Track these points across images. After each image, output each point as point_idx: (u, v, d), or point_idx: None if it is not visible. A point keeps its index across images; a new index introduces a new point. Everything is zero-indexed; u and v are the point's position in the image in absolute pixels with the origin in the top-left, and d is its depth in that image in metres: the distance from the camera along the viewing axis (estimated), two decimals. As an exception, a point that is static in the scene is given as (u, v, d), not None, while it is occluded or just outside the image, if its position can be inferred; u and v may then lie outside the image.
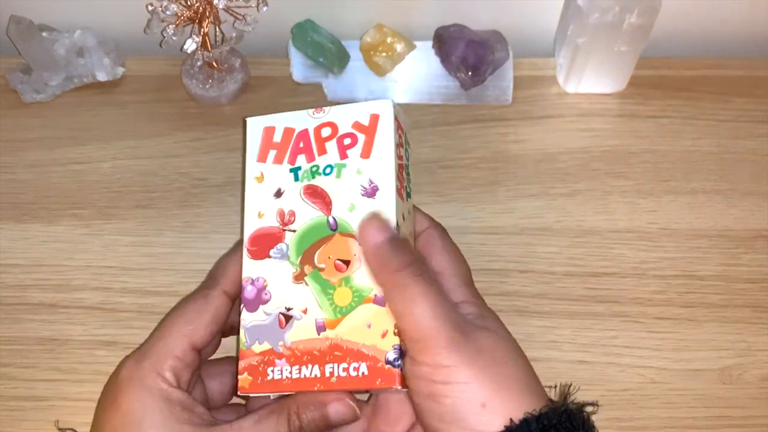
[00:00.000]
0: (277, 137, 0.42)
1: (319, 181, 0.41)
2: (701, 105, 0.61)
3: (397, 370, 0.37)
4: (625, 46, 0.56)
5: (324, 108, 0.42)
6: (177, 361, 0.38)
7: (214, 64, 0.59)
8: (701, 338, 0.51)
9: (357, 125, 0.41)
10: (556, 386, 0.38)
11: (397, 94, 0.61)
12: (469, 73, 0.59)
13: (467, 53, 0.59)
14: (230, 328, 0.43)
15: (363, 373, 0.37)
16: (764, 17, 0.64)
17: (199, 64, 0.59)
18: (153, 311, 0.51)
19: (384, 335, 0.38)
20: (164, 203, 0.56)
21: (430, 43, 0.62)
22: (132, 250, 0.54)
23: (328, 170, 0.41)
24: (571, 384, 0.38)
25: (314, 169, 0.41)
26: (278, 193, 0.41)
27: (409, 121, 0.46)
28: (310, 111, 0.42)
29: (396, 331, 0.37)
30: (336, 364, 0.38)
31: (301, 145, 0.42)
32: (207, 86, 0.59)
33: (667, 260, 0.54)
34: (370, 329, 0.38)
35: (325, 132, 0.41)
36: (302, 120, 0.42)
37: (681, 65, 0.63)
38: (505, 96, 0.61)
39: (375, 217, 0.37)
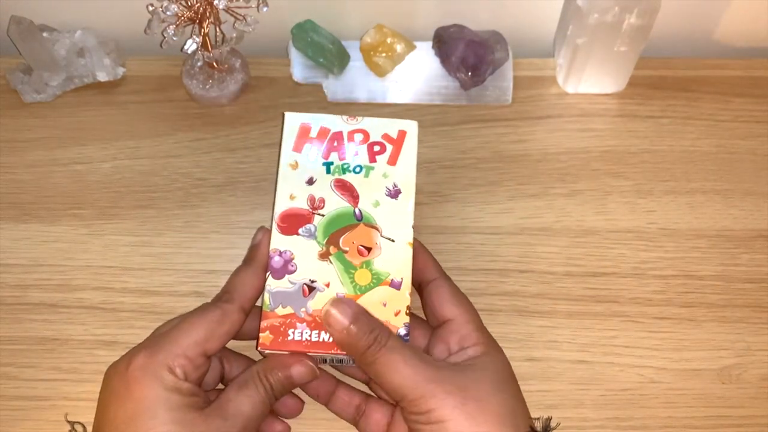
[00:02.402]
0: (313, 133, 0.47)
1: (349, 177, 0.46)
2: (700, 105, 0.61)
3: (406, 343, 0.42)
4: (624, 46, 0.57)
5: (357, 117, 0.48)
6: (188, 362, 0.40)
7: (215, 64, 0.59)
8: (700, 338, 0.51)
9: (386, 136, 0.47)
10: (539, 418, 0.41)
11: (397, 94, 0.61)
12: (469, 74, 0.59)
13: (467, 53, 0.59)
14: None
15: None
16: (764, 17, 0.64)
17: (199, 64, 0.59)
18: (153, 311, 0.52)
19: (397, 314, 0.43)
20: (164, 203, 0.56)
21: (430, 44, 0.62)
22: (132, 250, 0.54)
23: (357, 169, 0.46)
24: (550, 418, 0.41)
25: (345, 166, 0.46)
26: (310, 181, 0.46)
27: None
28: (344, 117, 0.48)
29: (408, 311, 0.43)
30: None
31: (335, 144, 0.47)
32: (207, 86, 0.59)
33: (666, 260, 0.54)
34: (386, 307, 0.43)
35: (358, 137, 0.47)
36: (336, 123, 0.47)
37: (680, 65, 0.63)
38: (504, 96, 0.61)
39: (336, 303, 0.41)
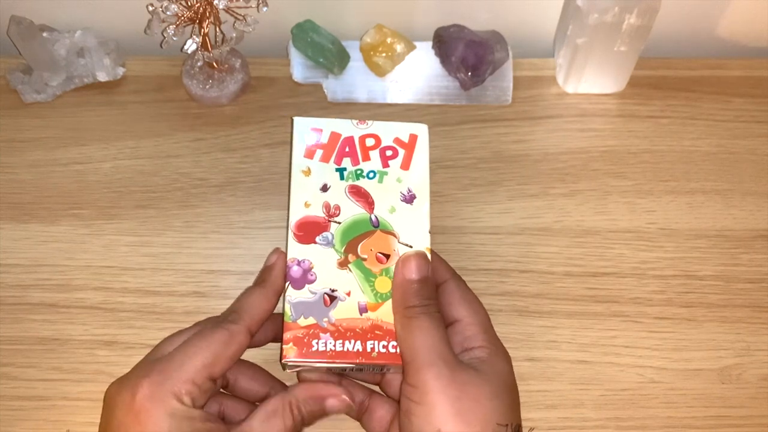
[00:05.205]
0: (324, 139, 0.46)
1: (363, 183, 0.45)
2: (701, 105, 0.61)
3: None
4: (624, 46, 0.57)
5: (367, 121, 0.47)
6: (195, 387, 0.39)
7: (215, 64, 0.59)
8: (700, 338, 0.51)
9: (398, 141, 0.46)
10: (532, 429, 0.41)
11: (397, 94, 0.61)
12: (469, 74, 0.59)
13: (467, 53, 0.59)
14: None
15: (399, 349, 0.42)
16: (764, 17, 0.64)
17: (199, 64, 0.59)
18: (153, 311, 0.52)
19: None
20: (164, 203, 0.56)
21: (430, 44, 0.62)
22: (132, 250, 0.54)
23: (371, 175, 0.45)
24: (533, 429, 0.41)
25: (359, 172, 0.45)
26: (324, 188, 0.45)
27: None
28: (354, 121, 0.47)
29: None
30: (377, 341, 0.42)
31: (347, 149, 0.46)
32: (207, 86, 0.59)
33: (666, 260, 0.54)
34: None
35: (369, 142, 0.46)
36: (347, 127, 0.46)
37: (680, 65, 0.63)
38: (504, 96, 0.61)
39: (418, 256, 0.42)
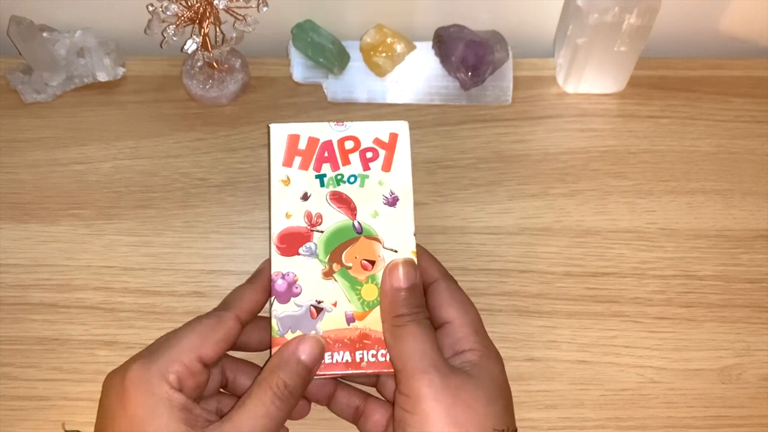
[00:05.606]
0: (302, 145, 0.45)
1: (344, 189, 0.44)
2: (701, 105, 0.61)
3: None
4: (624, 46, 0.57)
5: (345, 123, 0.45)
6: (183, 368, 0.39)
7: (215, 64, 0.59)
8: (700, 338, 0.51)
9: (377, 141, 0.45)
10: None
11: (397, 94, 0.61)
12: (469, 74, 0.59)
13: (467, 53, 0.59)
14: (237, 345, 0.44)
15: (389, 358, 0.41)
16: (764, 17, 0.64)
17: (199, 64, 0.59)
18: (153, 311, 0.52)
19: None
20: (164, 203, 0.56)
21: (430, 44, 0.62)
22: (132, 250, 0.54)
23: (352, 179, 0.44)
24: None
25: (339, 177, 0.44)
26: (305, 197, 0.44)
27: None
28: (332, 124, 0.45)
29: None
30: (366, 351, 0.42)
31: (326, 154, 0.45)
32: (207, 86, 0.59)
33: (666, 260, 0.54)
34: None
35: (348, 144, 0.45)
36: (325, 131, 0.45)
37: (680, 65, 0.63)
38: (504, 96, 0.61)
39: (405, 264, 0.42)
